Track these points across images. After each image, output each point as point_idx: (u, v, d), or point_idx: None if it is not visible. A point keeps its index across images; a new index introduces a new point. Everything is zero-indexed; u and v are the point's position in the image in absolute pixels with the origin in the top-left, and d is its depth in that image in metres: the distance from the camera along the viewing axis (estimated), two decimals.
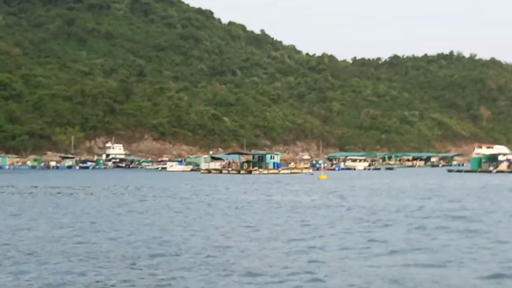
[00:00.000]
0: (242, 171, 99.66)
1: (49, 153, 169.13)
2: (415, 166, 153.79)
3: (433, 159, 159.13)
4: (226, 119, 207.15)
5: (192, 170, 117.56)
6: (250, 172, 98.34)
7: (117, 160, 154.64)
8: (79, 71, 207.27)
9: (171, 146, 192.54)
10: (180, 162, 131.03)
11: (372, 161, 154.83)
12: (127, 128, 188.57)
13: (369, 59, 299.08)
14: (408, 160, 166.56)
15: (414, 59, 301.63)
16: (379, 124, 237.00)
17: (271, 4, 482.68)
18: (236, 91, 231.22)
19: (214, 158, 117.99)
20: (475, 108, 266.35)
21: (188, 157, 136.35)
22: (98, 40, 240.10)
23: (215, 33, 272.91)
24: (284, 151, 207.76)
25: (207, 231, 23.31)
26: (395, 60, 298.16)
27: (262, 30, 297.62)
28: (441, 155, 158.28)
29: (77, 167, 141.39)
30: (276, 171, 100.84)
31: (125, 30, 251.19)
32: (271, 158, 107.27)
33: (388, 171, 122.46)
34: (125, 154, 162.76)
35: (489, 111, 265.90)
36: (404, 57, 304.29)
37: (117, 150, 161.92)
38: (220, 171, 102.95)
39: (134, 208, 34.26)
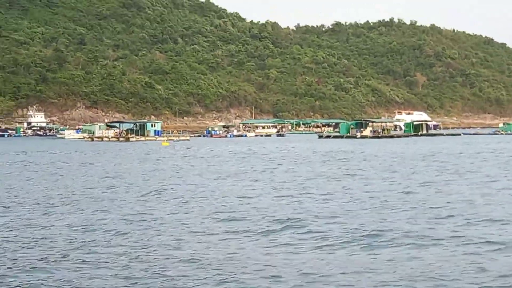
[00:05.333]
0: (121, 139, 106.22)
1: None
2: (322, 133, 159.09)
3: None
4: (159, 87, 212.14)
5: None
6: (128, 139, 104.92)
7: (37, 128, 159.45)
8: (14, 41, 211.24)
9: (103, 114, 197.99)
10: (77, 130, 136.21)
11: (281, 127, 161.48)
12: (60, 96, 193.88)
13: (312, 26, 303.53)
14: (317, 126, 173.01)
15: (355, 26, 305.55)
16: (314, 91, 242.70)
17: None
18: (175, 59, 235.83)
19: (109, 126, 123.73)
20: (412, 75, 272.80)
21: (84, 125, 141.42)
22: (40, 8, 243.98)
23: (158, 1, 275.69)
24: (217, 118, 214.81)
25: None
26: (337, 27, 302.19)
27: None
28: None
29: None
30: (154, 138, 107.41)
31: None
32: (152, 126, 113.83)
33: (279, 137, 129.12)
34: (46, 123, 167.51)
35: (425, 77, 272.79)
36: (347, 24, 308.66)
37: (38, 118, 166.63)
38: (102, 139, 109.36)
39: None
